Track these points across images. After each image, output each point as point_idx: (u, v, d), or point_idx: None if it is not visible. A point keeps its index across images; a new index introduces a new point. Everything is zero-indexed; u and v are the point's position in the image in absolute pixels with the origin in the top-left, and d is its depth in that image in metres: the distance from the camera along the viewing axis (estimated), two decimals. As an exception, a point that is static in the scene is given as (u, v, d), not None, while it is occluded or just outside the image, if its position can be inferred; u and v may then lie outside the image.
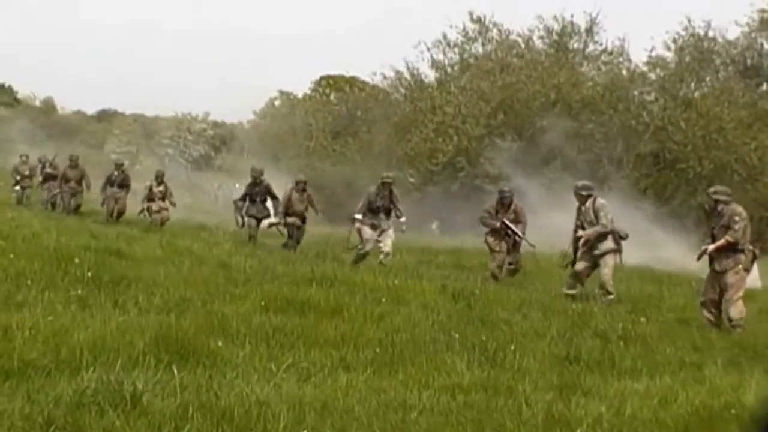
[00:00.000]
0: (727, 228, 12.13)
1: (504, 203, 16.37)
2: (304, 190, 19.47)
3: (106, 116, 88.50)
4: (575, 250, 14.47)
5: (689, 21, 47.19)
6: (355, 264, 16.00)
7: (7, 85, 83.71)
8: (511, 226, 16.10)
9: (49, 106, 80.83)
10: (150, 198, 24.06)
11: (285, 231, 19.52)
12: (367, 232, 16.84)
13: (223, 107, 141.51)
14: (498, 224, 16.04)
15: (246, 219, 20.49)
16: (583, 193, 14.43)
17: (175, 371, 6.08)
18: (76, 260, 10.87)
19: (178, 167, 74.29)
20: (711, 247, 12.48)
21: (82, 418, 5.06)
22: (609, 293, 13.92)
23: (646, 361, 8.51)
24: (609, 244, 14.13)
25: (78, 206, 26.23)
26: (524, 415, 6.00)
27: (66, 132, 76.41)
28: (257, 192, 20.58)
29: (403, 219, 17.46)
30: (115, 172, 25.76)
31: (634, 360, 8.52)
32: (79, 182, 26.43)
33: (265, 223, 20.49)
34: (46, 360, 6.21)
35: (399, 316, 9.61)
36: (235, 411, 5.37)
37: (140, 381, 5.64)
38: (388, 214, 17.18)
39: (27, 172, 30.56)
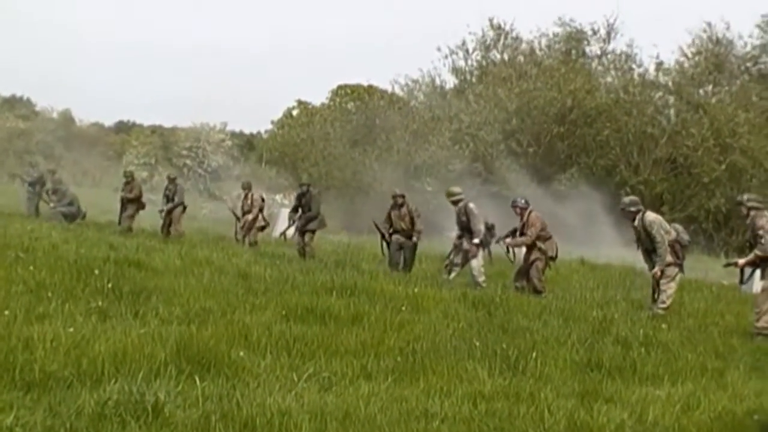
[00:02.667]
0: (755, 239, 11.97)
1: (516, 213, 16.10)
2: (401, 205, 17.93)
3: (124, 128, 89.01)
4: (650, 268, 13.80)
5: (709, 25, 47.07)
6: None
7: (25, 97, 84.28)
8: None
9: (67, 118, 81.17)
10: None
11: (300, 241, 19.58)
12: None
13: (242, 117, 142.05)
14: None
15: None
16: (632, 209, 13.82)
17: (197, 381, 6.09)
18: (96, 272, 10.89)
19: (197, 178, 74.60)
20: (741, 262, 12.38)
21: (104, 429, 5.07)
22: (663, 303, 13.46)
23: (667, 368, 8.48)
24: (668, 258, 13.47)
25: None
26: (546, 422, 5.99)
27: (84, 144, 76.83)
28: (304, 203, 20.13)
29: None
30: (170, 186, 24.53)
31: (656, 366, 8.48)
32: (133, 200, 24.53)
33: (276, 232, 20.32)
34: (68, 372, 6.22)
35: (419, 325, 9.60)
36: (257, 421, 5.37)
37: (162, 392, 5.65)
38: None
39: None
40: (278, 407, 5.67)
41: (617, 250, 30.47)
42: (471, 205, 16.53)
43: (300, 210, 20.11)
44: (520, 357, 8.18)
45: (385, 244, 18.00)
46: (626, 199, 14.36)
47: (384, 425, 5.60)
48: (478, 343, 8.63)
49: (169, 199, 24.07)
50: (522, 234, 15.62)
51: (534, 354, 8.27)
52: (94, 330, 7.56)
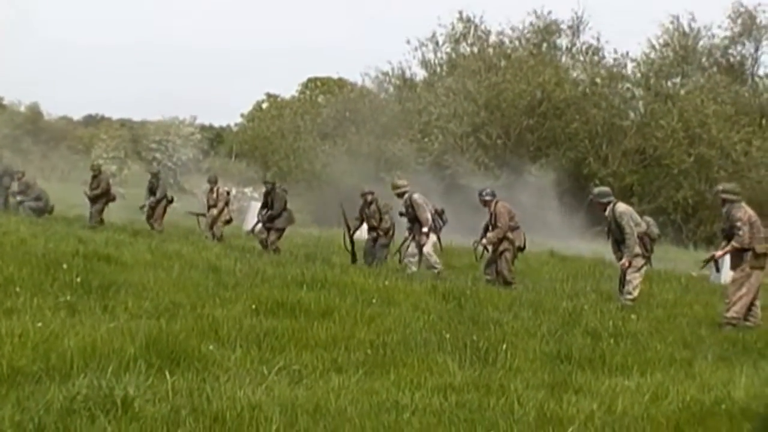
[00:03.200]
0: (731, 231, 12.05)
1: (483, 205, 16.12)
2: (370, 202, 17.86)
3: (92, 121, 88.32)
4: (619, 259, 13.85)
5: (677, 19, 47.40)
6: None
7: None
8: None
9: (34, 111, 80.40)
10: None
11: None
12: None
13: (211, 111, 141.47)
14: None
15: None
16: (603, 200, 13.86)
17: (167, 376, 6.06)
18: (65, 266, 10.81)
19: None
20: (718, 254, 12.49)
21: (73, 424, 5.04)
22: (630, 294, 13.49)
23: (636, 358, 8.53)
24: (635, 249, 13.51)
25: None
26: (516, 413, 6.01)
27: (52, 138, 76.15)
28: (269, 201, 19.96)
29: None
30: (152, 180, 24.54)
31: (625, 357, 8.53)
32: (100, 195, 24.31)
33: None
34: (36, 367, 6.18)
35: (390, 317, 9.60)
36: (227, 415, 5.36)
37: (131, 386, 5.61)
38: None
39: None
40: (248, 401, 5.66)
41: (587, 242, 30.67)
42: (415, 195, 16.75)
43: (267, 208, 20.01)
44: (491, 349, 8.20)
45: (348, 239, 18.00)
46: (596, 190, 14.45)
47: (354, 418, 5.60)
48: (448, 336, 8.64)
49: (151, 192, 24.00)
50: (494, 226, 15.65)
51: (504, 346, 8.30)
52: (62, 324, 7.51)
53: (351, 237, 17.88)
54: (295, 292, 10.46)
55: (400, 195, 16.93)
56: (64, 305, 8.72)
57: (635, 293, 13.52)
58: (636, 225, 13.55)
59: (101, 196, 24.18)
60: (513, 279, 15.53)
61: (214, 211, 22.42)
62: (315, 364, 7.25)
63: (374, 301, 10.65)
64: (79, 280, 9.96)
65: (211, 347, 7.26)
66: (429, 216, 16.43)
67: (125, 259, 13.11)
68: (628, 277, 13.56)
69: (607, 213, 13.70)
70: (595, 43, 49.16)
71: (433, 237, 16.50)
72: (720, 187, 12.76)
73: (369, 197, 17.84)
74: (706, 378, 7.77)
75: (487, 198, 15.84)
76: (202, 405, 5.52)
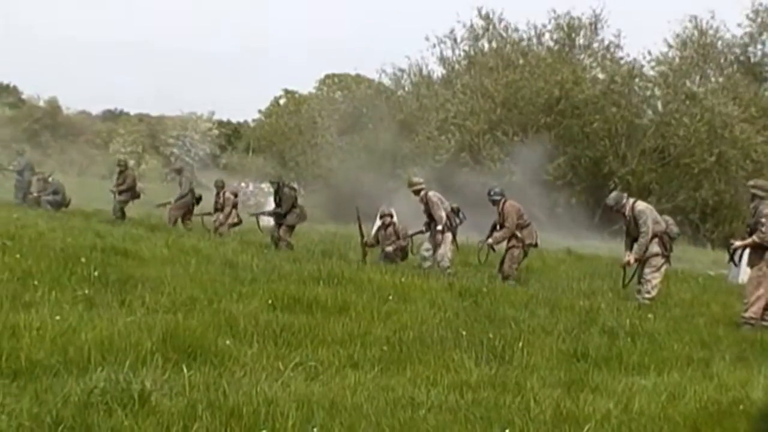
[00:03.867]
0: (755, 226, 12.00)
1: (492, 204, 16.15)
2: (388, 225, 17.98)
3: (111, 116, 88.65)
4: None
5: (696, 18, 47.18)
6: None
7: (11, 85, 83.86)
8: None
9: (53, 106, 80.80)
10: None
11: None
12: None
13: (229, 106, 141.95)
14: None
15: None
16: (618, 207, 13.86)
17: (184, 370, 6.07)
18: (83, 260, 10.86)
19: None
20: (738, 243, 12.43)
21: (90, 417, 5.05)
22: (648, 294, 13.47)
23: (653, 358, 8.49)
24: (654, 248, 13.56)
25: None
26: (532, 411, 5.99)
27: (71, 132, 76.52)
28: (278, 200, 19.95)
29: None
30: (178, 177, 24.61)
31: (642, 356, 8.49)
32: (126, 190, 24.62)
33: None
34: (54, 360, 6.20)
35: (406, 314, 9.60)
36: (243, 410, 5.36)
37: (148, 380, 5.63)
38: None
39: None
40: (265, 396, 5.66)
41: (604, 241, 30.56)
42: (431, 193, 16.79)
43: (276, 206, 20.01)
44: (507, 347, 8.19)
45: (362, 247, 17.99)
46: (611, 198, 14.25)
47: (370, 414, 5.60)
48: (464, 333, 8.63)
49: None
50: (502, 226, 15.66)
51: (520, 344, 8.28)
52: (80, 318, 7.54)
53: (364, 245, 17.89)
54: (311, 288, 10.47)
55: (416, 192, 16.92)
56: (81, 299, 8.76)
57: (654, 293, 13.47)
58: (655, 223, 13.52)
59: (126, 191, 24.33)
60: (514, 276, 15.50)
61: (221, 216, 22.37)
62: (331, 360, 7.26)
63: (390, 297, 10.65)
64: (96, 274, 10.00)
65: (227, 342, 7.27)
66: (443, 214, 16.40)
67: (143, 253, 13.16)
68: (647, 277, 13.49)
69: (626, 213, 13.70)
70: (614, 40, 48.98)
71: (448, 235, 16.44)
72: (752, 182, 12.73)
73: (387, 220, 17.98)
74: (723, 378, 7.73)
75: (496, 197, 15.91)
76: (219, 400, 5.53)
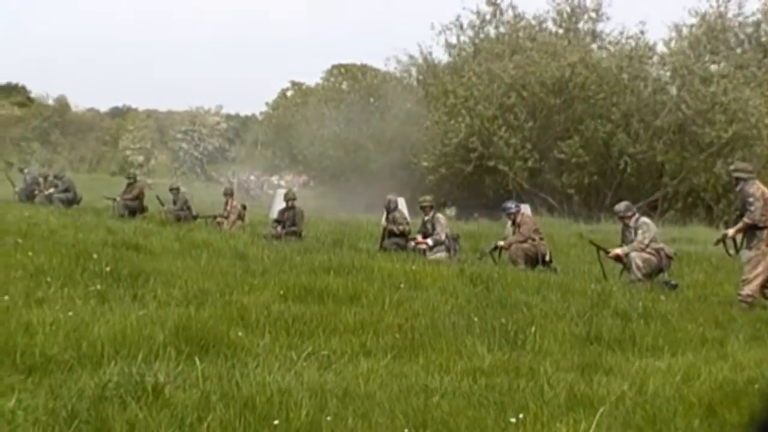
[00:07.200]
0: (744, 207, 12.00)
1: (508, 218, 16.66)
2: (394, 208, 18.31)
3: (119, 113, 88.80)
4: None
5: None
6: None
7: (20, 85, 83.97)
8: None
9: (62, 104, 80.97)
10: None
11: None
12: None
13: (237, 100, 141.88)
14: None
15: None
16: (629, 215, 14.30)
17: (197, 362, 6.08)
18: (95, 255, 10.89)
19: (193, 161, 74.56)
20: (731, 232, 12.39)
21: (105, 411, 5.07)
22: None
23: (667, 339, 8.48)
24: (643, 254, 13.90)
25: None
26: (546, 395, 5.98)
27: (80, 129, 76.66)
28: (287, 218, 20.05)
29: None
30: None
31: (656, 338, 8.48)
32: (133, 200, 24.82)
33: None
34: (68, 355, 6.23)
35: (418, 302, 9.60)
36: (257, 400, 5.37)
37: (162, 373, 5.65)
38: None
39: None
40: (278, 386, 5.67)
41: (615, 224, 30.44)
42: (440, 215, 17.70)
43: (282, 225, 19.93)
44: (519, 332, 8.18)
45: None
46: (622, 206, 14.58)
47: (384, 401, 5.60)
48: (476, 319, 8.63)
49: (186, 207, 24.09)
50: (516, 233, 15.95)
51: (533, 328, 8.27)
52: (93, 313, 7.57)
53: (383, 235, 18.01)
54: (322, 278, 10.47)
55: (426, 209, 17.41)
56: (94, 294, 8.79)
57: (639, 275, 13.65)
58: (652, 241, 13.92)
59: (133, 200, 24.48)
60: (517, 265, 15.30)
61: (225, 225, 22.26)
62: (344, 348, 7.26)
63: (402, 285, 10.64)
64: (108, 269, 10.02)
65: (240, 333, 7.28)
66: (444, 237, 16.92)
67: (154, 248, 13.19)
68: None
69: (631, 223, 14.13)
70: (616, 27, 48.82)
71: (441, 254, 16.55)
72: (733, 166, 12.85)
73: (393, 204, 18.26)
74: (738, 358, 7.71)
75: (512, 210, 16.35)
76: (232, 390, 5.54)
